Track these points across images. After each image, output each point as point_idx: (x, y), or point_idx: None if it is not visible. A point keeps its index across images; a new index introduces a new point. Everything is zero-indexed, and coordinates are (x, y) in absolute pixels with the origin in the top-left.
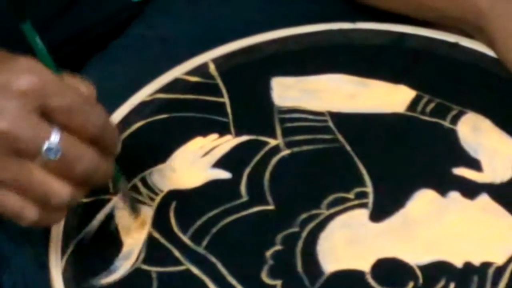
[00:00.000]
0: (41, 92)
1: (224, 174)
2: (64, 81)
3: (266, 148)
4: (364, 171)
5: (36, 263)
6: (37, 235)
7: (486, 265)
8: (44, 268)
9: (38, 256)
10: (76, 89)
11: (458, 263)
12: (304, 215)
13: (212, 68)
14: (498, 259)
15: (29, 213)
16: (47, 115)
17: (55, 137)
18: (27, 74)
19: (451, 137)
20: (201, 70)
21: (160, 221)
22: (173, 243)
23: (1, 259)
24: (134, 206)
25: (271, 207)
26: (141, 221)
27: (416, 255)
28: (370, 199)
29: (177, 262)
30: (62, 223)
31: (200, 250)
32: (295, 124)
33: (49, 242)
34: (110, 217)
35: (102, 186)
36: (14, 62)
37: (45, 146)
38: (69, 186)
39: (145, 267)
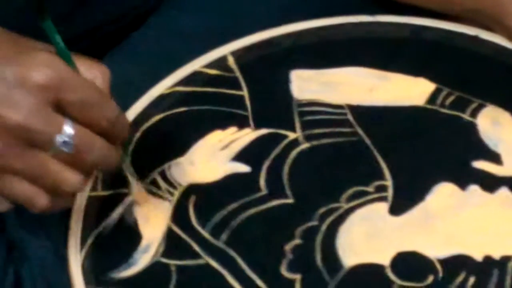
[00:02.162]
0: (57, 87)
1: (243, 168)
2: (81, 76)
3: (285, 141)
4: (383, 165)
5: (55, 255)
6: (57, 227)
7: (506, 259)
8: (63, 260)
9: (57, 248)
10: (92, 84)
11: (478, 256)
12: (323, 209)
13: (231, 61)
14: None
15: (40, 200)
16: (62, 109)
17: (68, 130)
18: (45, 68)
19: (471, 130)
20: (220, 63)
21: (179, 216)
22: (193, 237)
23: (20, 252)
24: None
25: (290, 200)
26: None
27: (436, 249)
28: (390, 193)
29: (196, 256)
30: (81, 215)
31: (220, 244)
32: (314, 117)
33: (69, 235)
34: (130, 210)
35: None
36: (33, 55)
37: (58, 138)
38: (79, 175)
39: (164, 260)
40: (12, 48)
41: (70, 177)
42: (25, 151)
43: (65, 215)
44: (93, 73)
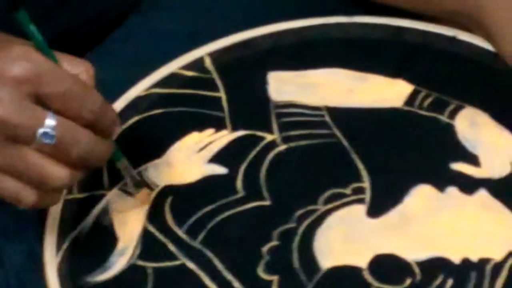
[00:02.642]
0: (36, 79)
1: (220, 170)
2: (60, 68)
3: (263, 143)
4: (361, 167)
5: (30, 259)
6: (32, 231)
7: (484, 261)
8: (38, 265)
9: (33, 252)
10: (72, 76)
11: (456, 259)
12: (300, 211)
13: (208, 62)
14: (496, 255)
15: (27, 196)
16: (43, 102)
17: (50, 122)
18: (22, 61)
19: (449, 131)
20: (197, 64)
21: (155, 216)
22: (169, 237)
23: None
24: (136, 183)
25: (267, 202)
26: (142, 199)
27: (413, 251)
28: (367, 195)
29: (173, 257)
30: (57, 219)
31: (196, 244)
32: (292, 119)
33: (44, 239)
34: (105, 212)
35: (101, 167)
36: (9, 48)
37: (40, 131)
38: (66, 169)
39: (140, 262)
40: None
41: (55, 171)
42: (7, 146)
43: (41, 218)
44: (77, 69)
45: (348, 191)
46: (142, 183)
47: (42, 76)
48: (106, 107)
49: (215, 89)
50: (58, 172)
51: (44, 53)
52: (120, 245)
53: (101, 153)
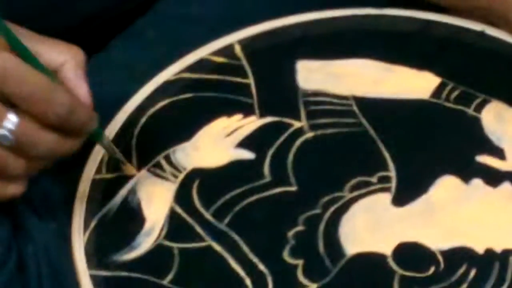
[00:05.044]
0: (0, 78)
1: (248, 155)
2: (28, 68)
3: (290, 130)
4: (387, 156)
5: (59, 237)
6: (62, 210)
7: (507, 252)
8: (66, 242)
9: (61, 230)
10: (40, 77)
11: (480, 249)
12: (326, 198)
13: (237, 49)
14: None
15: None
16: (7, 101)
17: (8, 123)
18: None
19: (475, 125)
20: (226, 51)
21: (183, 197)
22: (196, 219)
23: (25, 232)
24: (118, 158)
25: (293, 188)
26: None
27: (438, 240)
28: (393, 184)
29: (199, 239)
30: (85, 199)
31: (222, 227)
32: (320, 107)
33: (72, 218)
34: (133, 193)
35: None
36: None
37: None
38: (24, 162)
39: (167, 243)
40: None
41: (13, 163)
42: None
43: (70, 197)
44: (64, 56)
45: (374, 179)
46: (125, 163)
47: (8, 75)
48: (76, 110)
49: (244, 75)
50: (15, 164)
51: (14, 47)
52: (147, 225)
53: (64, 151)
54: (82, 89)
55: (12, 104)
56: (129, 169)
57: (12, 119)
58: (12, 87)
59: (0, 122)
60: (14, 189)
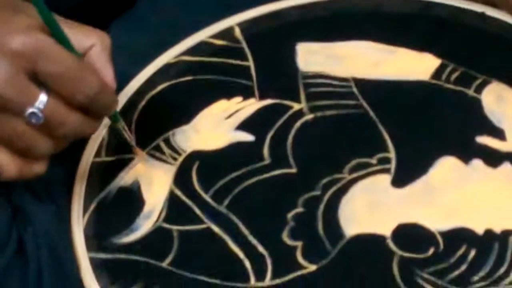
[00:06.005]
0: (34, 55)
1: (247, 137)
2: (60, 48)
3: (290, 112)
4: (387, 137)
5: (58, 220)
6: (61, 192)
7: (507, 233)
8: (66, 225)
9: (61, 213)
10: (73, 57)
11: (479, 230)
12: (326, 179)
13: (237, 32)
14: None
15: (9, 168)
16: (38, 79)
17: (40, 103)
18: (22, 36)
19: (475, 106)
20: (226, 34)
21: (182, 180)
22: (195, 201)
23: (24, 215)
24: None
25: (293, 170)
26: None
27: (437, 221)
28: (393, 165)
29: (198, 221)
30: (84, 182)
31: (222, 209)
32: (319, 89)
33: (72, 200)
34: (133, 176)
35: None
36: (12, 21)
37: (29, 110)
38: (51, 141)
39: (166, 225)
40: None
41: (40, 142)
42: None
43: (70, 180)
44: (91, 40)
45: (373, 160)
46: (135, 146)
47: (40, 53)
48: (103, 93)
49: (244, 58)
50: (42, 143)
51: (50, 27)
52: (146, 208)
53: (88, 132)
54: (108, 73)
55: (40, 83)
56: (139, 153)
57: (42, 99)
58: (46, 66)
59: (32, 102)
60: (39, 168)
